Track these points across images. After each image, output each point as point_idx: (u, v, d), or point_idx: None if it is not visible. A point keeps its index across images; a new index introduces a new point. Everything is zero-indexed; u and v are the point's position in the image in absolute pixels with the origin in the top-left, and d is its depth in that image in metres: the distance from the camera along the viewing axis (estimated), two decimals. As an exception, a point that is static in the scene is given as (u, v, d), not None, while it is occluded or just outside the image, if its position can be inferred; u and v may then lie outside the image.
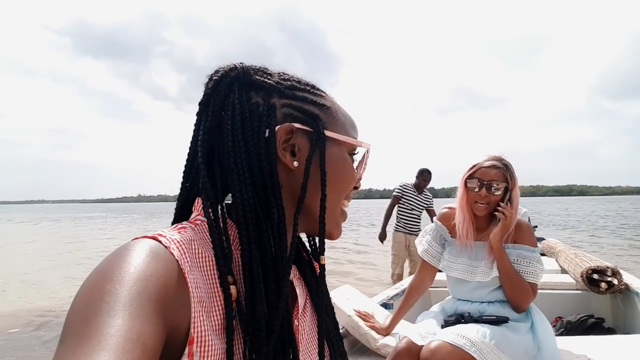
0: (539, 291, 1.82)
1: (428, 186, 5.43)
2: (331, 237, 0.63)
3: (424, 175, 5.34)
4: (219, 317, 0.51)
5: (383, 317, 2.46)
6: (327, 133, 0.59)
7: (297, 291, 0.65)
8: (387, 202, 5.68)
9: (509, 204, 1.77)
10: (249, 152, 0.54)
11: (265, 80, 0.57)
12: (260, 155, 0.54)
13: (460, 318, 1.75)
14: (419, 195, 5.32)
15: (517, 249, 1.81)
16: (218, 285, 0.52)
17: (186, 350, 0.47)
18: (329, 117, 0.60)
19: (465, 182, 1.83)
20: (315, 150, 0.57)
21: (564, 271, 3.59)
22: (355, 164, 0.64)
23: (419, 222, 5.33)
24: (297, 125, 0.56)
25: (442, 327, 1.76)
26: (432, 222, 2.10)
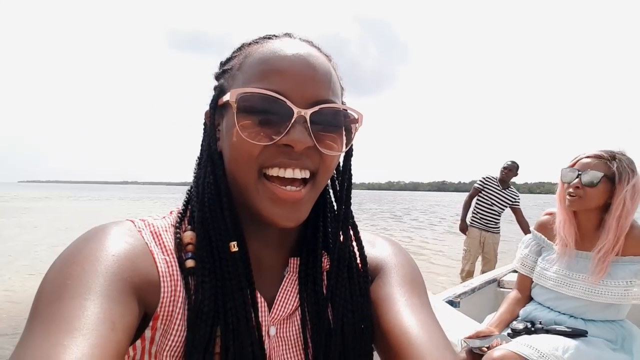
0: (635, 304, 1.57)
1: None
2: (273, 223, 0.52)
3: (510, 168, 4.87)
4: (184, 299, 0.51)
5: (446, 314, 2.33)
6: (222, 100, 0.54)
7: (284, 290, 0.59)
8: (462, 196, 5.36)
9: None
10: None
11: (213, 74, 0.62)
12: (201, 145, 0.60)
13: (530, 327, 1.59)
14: (503, 191, 4.89)
15: (635, 264, 1.54)
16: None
17: (150, 324, 0.49)
18: (230, 79, 0.56)
19: (562, 174, 1.61)
20: (209, 127, 0.56)
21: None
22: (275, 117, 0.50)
23: (498, 220, 5.00)
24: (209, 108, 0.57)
25: (509, 334, 1.61)
26: (518, 221, 1.91)
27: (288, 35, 0.58)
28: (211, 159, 0.55)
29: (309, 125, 0.50)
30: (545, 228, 1.79)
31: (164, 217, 0.58)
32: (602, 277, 1.52)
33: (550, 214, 1.78)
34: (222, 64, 0.60)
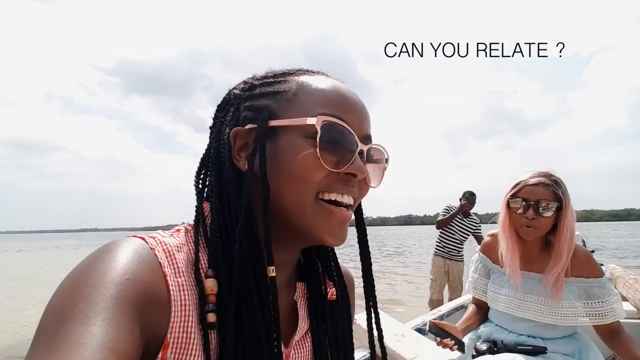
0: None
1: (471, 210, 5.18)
2: (325, 242, 0.54)
3: (467, 198, 5.08)
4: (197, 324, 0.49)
5: (414, 341, 2.31)
6: (274, 122, 0.54)
7: (299, 314, 0.61)
8: (427, 228, 5.46)
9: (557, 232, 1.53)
10: (213, 164, 0.57)
11: (235, 92, 0.60)
12: (219, 166, 0.57)
13: (493, 347, 1.60)
14: (463, 219, 5.08)
15: (582, 285, 1.56)
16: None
17: (160, 354, 0.46)
18: (283, 102, 0.55)
19: (508, 203, 1.60)
20: (256, 147, 0.54)
21: (623, 298, 3.25)
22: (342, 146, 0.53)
23: (461, 248, 5.14)
24: (248, 126, 0.56)
25: (473, 356, 1.60)
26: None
27: (322, 73, 0.60)
28: (241, 181, 0.54)
29: (365, 158, 0.55)
30: (490, 250, 1.80)
31: (171, 235, 0.53)
32: (559, 298, 1.54)
33: (493, 235, 1.80)
34: (262, 85, 0.58)
